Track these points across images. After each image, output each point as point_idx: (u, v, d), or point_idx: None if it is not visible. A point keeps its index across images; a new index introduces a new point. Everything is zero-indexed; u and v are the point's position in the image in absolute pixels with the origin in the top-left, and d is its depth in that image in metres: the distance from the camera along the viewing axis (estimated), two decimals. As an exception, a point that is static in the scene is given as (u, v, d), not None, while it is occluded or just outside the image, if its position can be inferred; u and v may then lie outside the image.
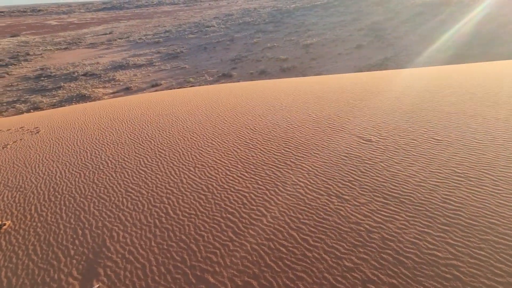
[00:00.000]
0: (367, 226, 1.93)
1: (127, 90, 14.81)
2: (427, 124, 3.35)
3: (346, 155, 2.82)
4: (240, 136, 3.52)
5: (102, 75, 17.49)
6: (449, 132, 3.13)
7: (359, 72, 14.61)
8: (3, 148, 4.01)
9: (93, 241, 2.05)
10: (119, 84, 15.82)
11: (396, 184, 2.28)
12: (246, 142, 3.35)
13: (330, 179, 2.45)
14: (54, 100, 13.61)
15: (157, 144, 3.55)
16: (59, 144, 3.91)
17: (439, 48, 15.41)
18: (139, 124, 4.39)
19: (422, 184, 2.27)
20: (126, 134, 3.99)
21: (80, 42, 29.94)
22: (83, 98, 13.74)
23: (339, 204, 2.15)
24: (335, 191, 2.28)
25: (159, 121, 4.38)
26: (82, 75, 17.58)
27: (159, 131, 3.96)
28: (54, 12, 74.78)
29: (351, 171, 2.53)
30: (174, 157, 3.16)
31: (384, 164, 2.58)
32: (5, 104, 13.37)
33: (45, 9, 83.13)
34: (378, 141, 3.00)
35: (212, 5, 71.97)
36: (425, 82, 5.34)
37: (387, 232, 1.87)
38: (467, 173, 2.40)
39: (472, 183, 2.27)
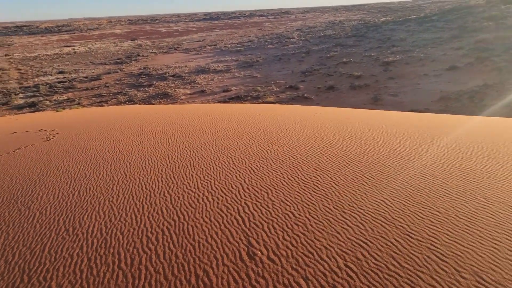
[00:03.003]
0: None
1: (202, 93, 16.56)
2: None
3: (195, 285, 1.69)
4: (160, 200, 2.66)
5: (186, 77, 20.03)
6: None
7: (446, 98, 12.55)
8: (12, 152, 4.01)
9: None
10: (197, 86, 17.81)
11: None
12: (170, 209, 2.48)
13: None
14: (145, 95, 16.32)
15: (110, 185, 2.90)
16: (45, 157, 3.76)
17: None
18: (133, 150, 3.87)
19: None
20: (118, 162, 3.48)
21: (178, 47, 34.99)
22: (166, 96, 16.03)
23: None
24: None
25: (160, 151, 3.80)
26: (171, 76, 20.49)
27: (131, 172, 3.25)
28: (166, 21, 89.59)
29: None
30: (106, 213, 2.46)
31: None
32: (111, 94, 16.77)
33: (160, 18, 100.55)
34: (262, 262, 1.84)
35: (298, 17, 73.46)
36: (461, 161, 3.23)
37: None
38: None
39: None
